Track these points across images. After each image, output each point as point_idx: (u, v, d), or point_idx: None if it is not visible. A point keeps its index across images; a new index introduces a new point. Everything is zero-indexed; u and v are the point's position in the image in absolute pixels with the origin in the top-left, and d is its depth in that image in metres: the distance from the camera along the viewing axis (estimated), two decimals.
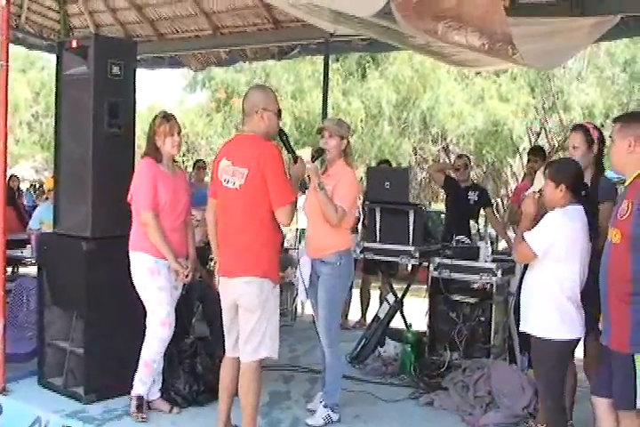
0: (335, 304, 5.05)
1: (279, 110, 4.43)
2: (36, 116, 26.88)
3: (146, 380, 5.00)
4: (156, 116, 5.08)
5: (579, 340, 4.06)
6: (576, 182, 4.08)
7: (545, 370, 4.05)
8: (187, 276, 5.05)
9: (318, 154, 5.03)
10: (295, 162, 4.51)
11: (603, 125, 16.51)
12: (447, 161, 17.76)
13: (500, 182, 18.89)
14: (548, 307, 4.00)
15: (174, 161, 5.26)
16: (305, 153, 4.77)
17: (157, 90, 25.62)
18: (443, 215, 14.65)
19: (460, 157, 8.11)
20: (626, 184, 3.78)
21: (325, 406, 5.00)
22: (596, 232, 4.03)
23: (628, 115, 4.35)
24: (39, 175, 28.74)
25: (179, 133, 5.06)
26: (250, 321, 4.29)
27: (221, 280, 4.44)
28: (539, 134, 17.73)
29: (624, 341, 3.59)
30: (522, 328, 4.20)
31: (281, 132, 4.54)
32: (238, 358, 4.41)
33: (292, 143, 4.63)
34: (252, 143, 4.30)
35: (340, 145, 5.07)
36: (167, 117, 5.04)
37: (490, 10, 4.77)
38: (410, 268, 8.29)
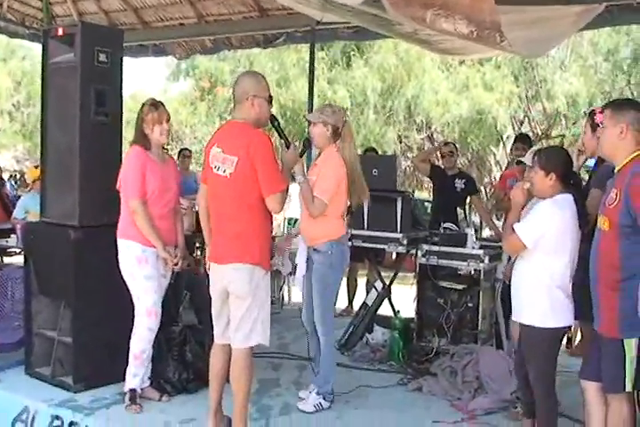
0: (328, 293, 5.04)
1: (270, 97, 4.39)
2: (17, 105, 26.67)
3: (137, 372, 4.98)
4: (144, 104, 5.05)
5: (569, 327, 4.10)
6: (566, 171, 4.07)
7: (536, 358, 4.06)
8: (175, 264, 5.03)
9: (304, 146, 5.03)
10: (287, 148, 4.51)
11: (586, 114, 16.64)
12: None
13: (483, 171, 18.95)
14: (539, 296, 4.01)
15: (163, 148, 5.24)
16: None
17: (140, 79, 25.29)
18: (427, 203, 14.78)
19: (446, 144, 8.10)
20: (615, 171, 3.80)
21: (318, 394, 5.02)
22: (585, 220, 4.04)
23: (618, 101, 4.35)
24: (20, 165, 28.51)
25: (167, 121, 5.02)
26: (240, 308, 4.28)
27: (212, 267, 4.42)
28: (522, 123, 17.80)
29: (613, 326, 3.62)
30: (513, 318, 4.22)
31: (273, 119, 4.52)
32: (228, 344, 4.40)
33: (284, 130, 4.60)
34: (242, 131, 4.27)
35: (324, 132, 4.98)
36: (155, 105, 5.01)
37: None
38: (394, 256, 8.34)
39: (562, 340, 4.11)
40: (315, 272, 4.99)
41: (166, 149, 5.30)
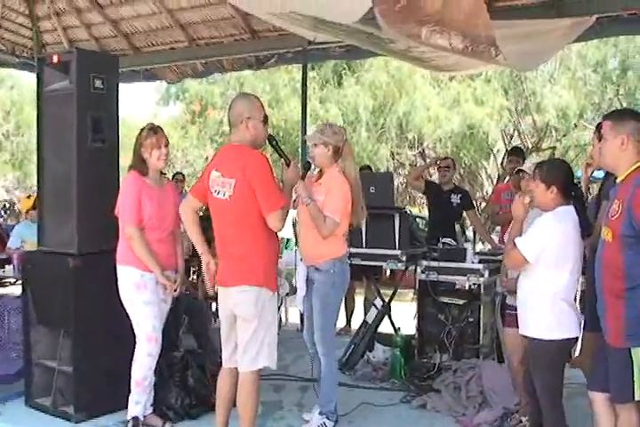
0: (330, 312, 5.02)
1: (265, 117, 4.41)
2: (7, 134, 26.61)
3: (139, 399, 4.94)
4: (142, 129, 5.06)
5: (576, 339, 4.09)
6: (567, 183, 4.08)
7: (542, 370, 4.06)
8: (175, 289, 5.02)
9: (305, 169, 5.04)
10: (288, 166, 4.52)
11: (576, 126, 16.75)
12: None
13: (475, 185, 19.00)
14: (544, 308, 4.02)
15: (162, 173, 5.24)
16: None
17: (130, 104, 25.37)
18: (419, 219, 14.81)
19: (445, 158, 8.14)
20: (617, 182, 3.82)
21: (321, 414, 5.01)
22: (588, 230, 4.05)
23: (617, 112, 4.37)
24: (10, 195, 28.40)
25: (166, 146, 5.02)
26: (247, 331, 4.27)
27: (219, 290, 4.42)
28: (512, 136, 17.88)
29: (619, 335, 3.63)
30: (520, 331, 4.22)
31: (271, 138, 4.53)
32: (235, 368, 4.39)
33: (282, 149, 4.61)
34: (239, 153, 4.29)
35: (325, 152, 4.99)
36: (154, 129, 5.02)
37: (474, 14, 4.86)
38: (388, 272, 8.34)
39: (569, 352, 4.10)
40: (316, 292, 4.98)
41: (164, 174, 5.27)
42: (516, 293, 4.64)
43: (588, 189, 4.78)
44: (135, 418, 4.92)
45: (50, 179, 5.36)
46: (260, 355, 4.28)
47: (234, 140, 4.39)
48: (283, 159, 4.57)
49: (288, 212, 4.36)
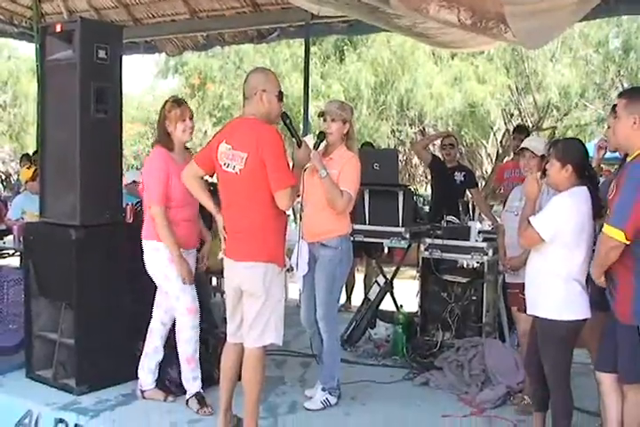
0: (335, 289, 5.01)
1: (280, 93, 4.33)
2: (4, 106, 26.40)
3: (195, 375, 4.93)
4: (166, 102, 5.01)
5: (585, 320, 4.06)
6: (582, 163, 4.03)
7: (551, 351, 4.02)
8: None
9: (320, 139, 4.99)
10: (299, 146, 4.43)
11: (577, 105, 16.68)
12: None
13: (475, 164, 18.94)
14: (555, 288, 3.97)
15: (186, 148, 5.16)
16: (307, 140, 4.71)
17: (128, 76, 25.26)
18: (417, 197, 14.78)
19: (448, 136, 8.09)
20: (627, 161, 3.78)
21: (324, 390, 5.00)
22: (600, 211, 4.01)
23: (633, 90, 4.32)
24: (6, 166, 28.25)
25: (190, 118, 4.97)
26: (254, 306, 4.23)
27: (227, 263, 4.37)
28: (512, 115, 17.80)
29: (628, 312, 3.61)
30: (529, 311, 4.17)
31: (284, 116, 4.42)
32: (240, 343, 4.35)
33: (295, 128, 4.49)
34: (252, 127, 4.20)
35: (342, 129, 4.98)
36: (178, 102, 4.99)
37: None
38: (386, 250, 8.32)
39: (579, 332, 4.06)
40: (322, 268, 4.93)
41: (189, 149, 5.20)
42: (515, 271, 4.63)
43: (601, 169, 4.74)
44: (198, 393, 4.91)
45: (52, 149, 5.30)
46: (266, 331, 4.24)
47: (247, 113, 4.30)
48: (294, 138, 4.46)
49: (297, 191, 4.32)
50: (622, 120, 3.74)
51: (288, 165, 4.21)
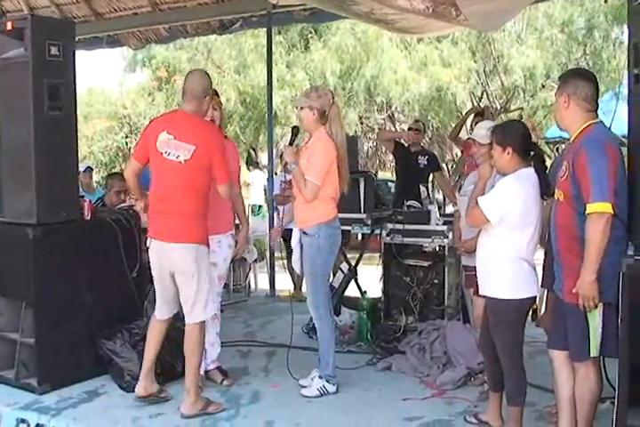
0: (318, 276, 5.07)
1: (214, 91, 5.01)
2: None
3: (213, 356, 5.28)
4: None
5: (534, 298, 4.15)
6: (522, 143, 4.11)
7: (502, 330, 4.11)
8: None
9: (293, 134, 5.14)
10: None
11: (544, 86, 16.76)
12: (393, 129, 17.81)
13: (445, 147, 19.01)
14: (504, 268, 4.07)
15: (223, 136, 5.30)
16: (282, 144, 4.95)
17: (96, 71, 25.07)
18: (391, 184, 14.82)
19: (416, 121, 8.22)
20: (570, 142, 3.85)
21: (321, 378, 5.06)
22: (547, 190, 4.08)
23: (566, 72, 4.43)
24: None
25: (215, 109, 5.15)
26: (192, 286, 4.61)
27: (155, 244, 4.66)
28: (480, 98, 17.86)
29: (576, 293, 3.67)
30: (481, 292, 4.27)
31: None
32: (166, 320, 4.80)
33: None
34: (199, 123, 4.72)
35: (309, 115, 5.00)
36: None
37: None
38: (360, 237, 8.38)
39: (528, 311, 4.16)
40: (305, 255, 5.07)
41: (226, 137, 5.43)
42: (469, 253, 4.71)
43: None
44: (220, 367, 5.34)
45: (7, 148, 5.28)
46: (207, 305, 4.68)
47: (188, 109, 4.70)
48: None
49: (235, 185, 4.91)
50: (556, 101, 3.87)
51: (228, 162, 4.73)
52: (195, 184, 4.59)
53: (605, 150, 3.61)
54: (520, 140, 4.10)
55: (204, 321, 4.72)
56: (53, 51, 5.06)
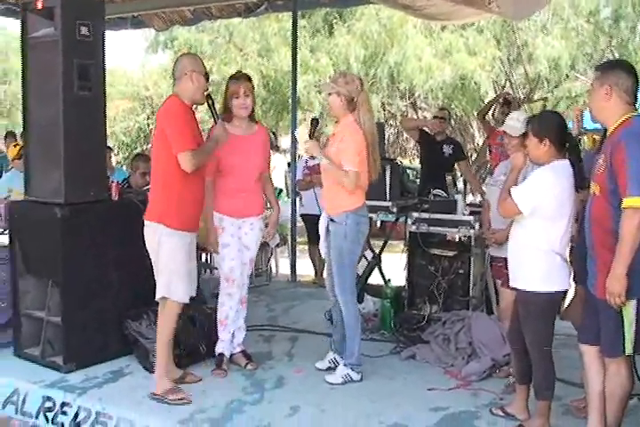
0: (346, 263, 5.01)
1: (206, 74, 4.73)
2: None
3: (222, 337, 5.19)
4: (230, 77, 5.22)
5: (565, 292, 4.10)
6: (559, 135, 4.05)
7: (533, 323, 4.07)
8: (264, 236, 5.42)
9: (313, 126, 5.11)
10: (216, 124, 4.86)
11: (568, 76, 16.62)
12: (415, 116, 17.73)
13: (467, 136, 18.91)
14: (536, 260, 4.01)
15: (254, 121, 5.31)
16: (300, 130, 4.85)
17: (118, 52, 25.10)
18: (410, 171, 14.78)
19: (441, 109, 8.12)
20: (607, 135, 3.79)
21: (345, 365, 5.04)
22: (582, 183, 4.03)
23: (607, 63, 4.35)
24: None
25: (247, 95, 5.08)
26: (155, 262, 4.68)
27: None
28: (503, 87, 17.74)
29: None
30: (511, 284, 4.22)
31: (208, 97, 4.81)
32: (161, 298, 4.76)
33: (216, 108, 4.92)
34: (165, 101, 4.75)
35: (338, 102, 4.93)
36: (236, 77, 5.19)
37: None
38: (378, 224, 8.34)
39: (560, 304, 4.12)
40: (332, 242, 5.04)
41: (257, 121, 5.40)
42: (499, 244, 4.66)
43: (594, 140, 4.74)
44: (220, 355, 5.19)
45: (35, 127, 5.27)
46: (168, 286, 4.64)
47: (174, 91, 4.74)
48: (214, 117, 4.88)
49: (200, 156, 4.59)
50: (596, 91, 3.77)
51: (186, 130, 4.56)
52: (158, 160, 4.66)
53: None
54: (557, 132, 4.04)
55: (173, 301, 4.67)
56: (83, 31, 5.03)
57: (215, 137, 4.79)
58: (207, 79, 4.72)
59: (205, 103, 4.85)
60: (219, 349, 5.22)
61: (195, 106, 4.85)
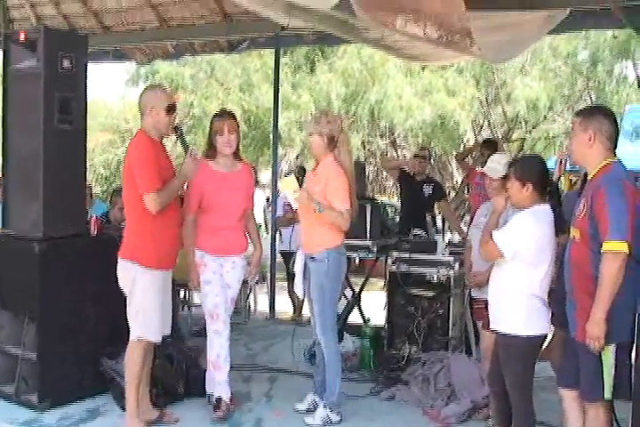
0: (327, 302, 5.00)
1: (169, 106, 4.61)
2: None
3: (219, 380, 5.02)
4: (215, 114, 5.16)
5: (545, 336, 4.08)
6: (541, 180, 4.05)
7: (513, 366, 4.03)
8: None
9: (300, 175, 5.09)
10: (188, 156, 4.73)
11: (546, 117, 16.82)
12: (395, 155, 17.83)
13: (446, 175, 19.03)
14: (517, 304, 3.99)
15: (239, 159, 5.22)
16: (289, 180, 4.83)
17: (99, 84, 25.12)
18: (389, 207, 14.79)
19: (422, 148, 8.13)
20: (588, 180, 3.80)
21: (325, 407, 4.97)
22: (562, 227, 4.03)
23: (589, 108, 4.37)
24: None
25: (230, 132, 5.01)
26: (129, 301, 4.59)
27: None
28: (482, 127, 17.91)
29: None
30: (492, 326, 4.19)
31: (176, 129, 4.76)
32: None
33: (186, 139, 4.88)
34: (134, 136, 4.74)
35: (320, 142, 4.97)
36: (220, 114, 5.11)
37: (449, 4, 4.79)
38: (357, 261, 8.33)
39: (540, 347, 4.09)
40: (312, 280, 5.00)
41: (241, 159, 5.30)
42: (480, 286, 4.63)
43: (570, 182, 4.77)
44: (218, 399, 4.99)
45: (15, 160, 5.21)
46: (143, 325, 4.57)
47: (141, 126, 4.68)
48: (184, 149, 4.78)
49: (173, 195, 4.60)
50: (578, 137, 3.77)
51: (153, 170, 4.47)
52: (128, 198, 4.60)
53: (624, 190, 3.58)
54: (539, 177, 4.05)
55: (137, 341, 4.60)
56: (66, 63, 5.04)
57: (184, 172, 4.69)
58: (173, 110, 4.65)
59: (174, 135, 4.80)
60: (217, 393, 5.03)
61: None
